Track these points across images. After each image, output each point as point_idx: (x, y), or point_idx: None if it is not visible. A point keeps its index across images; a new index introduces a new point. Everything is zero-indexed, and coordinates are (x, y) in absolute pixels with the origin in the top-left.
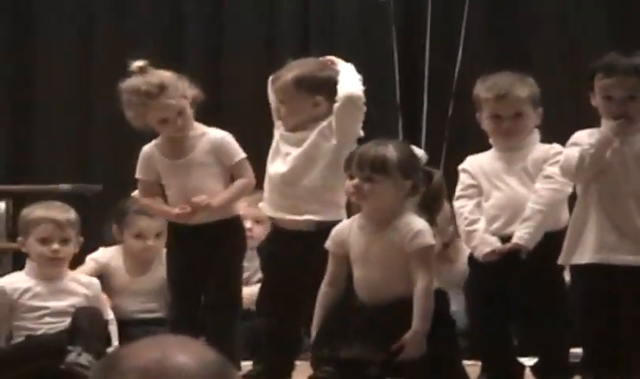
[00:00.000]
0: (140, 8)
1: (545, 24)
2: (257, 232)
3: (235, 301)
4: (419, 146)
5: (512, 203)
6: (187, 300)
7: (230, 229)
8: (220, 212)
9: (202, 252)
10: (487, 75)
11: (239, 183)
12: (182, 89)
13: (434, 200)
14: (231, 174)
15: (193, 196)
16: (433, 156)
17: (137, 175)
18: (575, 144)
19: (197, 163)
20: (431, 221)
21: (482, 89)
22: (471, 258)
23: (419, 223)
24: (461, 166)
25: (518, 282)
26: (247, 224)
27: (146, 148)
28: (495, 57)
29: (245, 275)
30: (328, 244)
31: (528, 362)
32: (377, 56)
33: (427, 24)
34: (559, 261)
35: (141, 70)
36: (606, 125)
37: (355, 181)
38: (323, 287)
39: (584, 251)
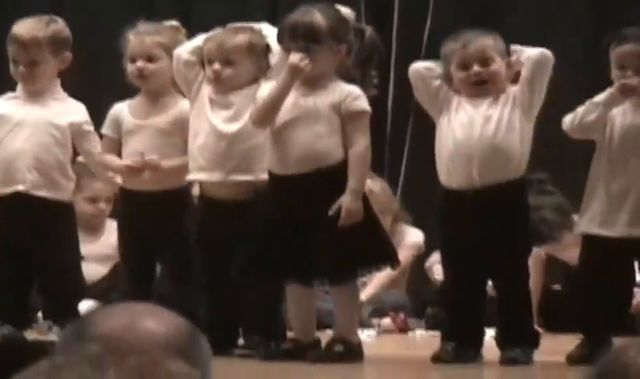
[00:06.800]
0: None
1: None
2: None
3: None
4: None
5: None
6: (142, 270)
7: (179, 199)
8: (168, 177)
9: (154, 221)
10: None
11: None
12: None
13: (368, 57)
14: None
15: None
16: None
17: (103, 131)
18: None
19: (159, 130)
20: (364, 80)
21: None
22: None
23: (356, 89)
24: None
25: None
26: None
27: (116, 106)
28: None
29: None
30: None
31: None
32: None
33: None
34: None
35: None
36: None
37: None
38: None
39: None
